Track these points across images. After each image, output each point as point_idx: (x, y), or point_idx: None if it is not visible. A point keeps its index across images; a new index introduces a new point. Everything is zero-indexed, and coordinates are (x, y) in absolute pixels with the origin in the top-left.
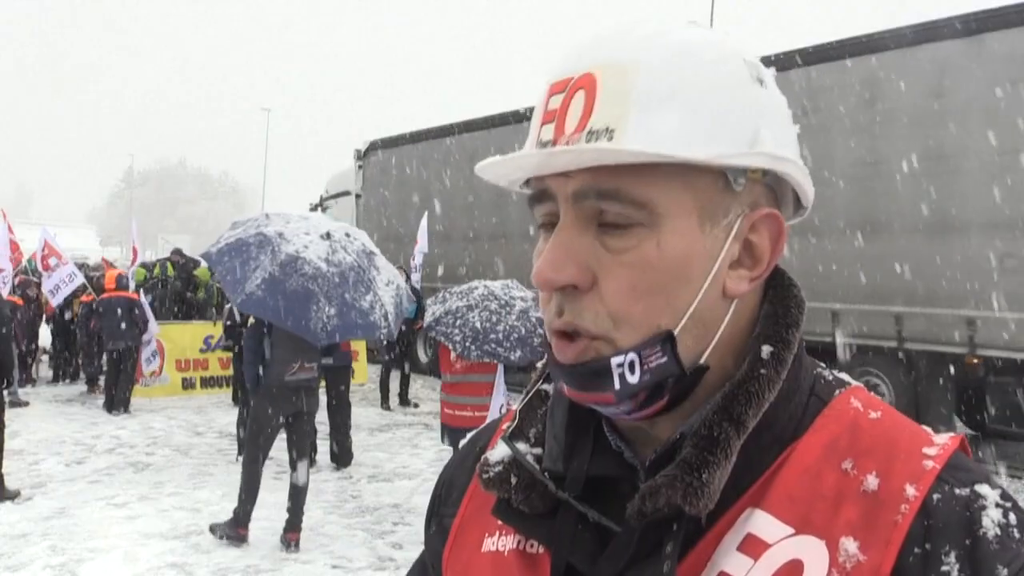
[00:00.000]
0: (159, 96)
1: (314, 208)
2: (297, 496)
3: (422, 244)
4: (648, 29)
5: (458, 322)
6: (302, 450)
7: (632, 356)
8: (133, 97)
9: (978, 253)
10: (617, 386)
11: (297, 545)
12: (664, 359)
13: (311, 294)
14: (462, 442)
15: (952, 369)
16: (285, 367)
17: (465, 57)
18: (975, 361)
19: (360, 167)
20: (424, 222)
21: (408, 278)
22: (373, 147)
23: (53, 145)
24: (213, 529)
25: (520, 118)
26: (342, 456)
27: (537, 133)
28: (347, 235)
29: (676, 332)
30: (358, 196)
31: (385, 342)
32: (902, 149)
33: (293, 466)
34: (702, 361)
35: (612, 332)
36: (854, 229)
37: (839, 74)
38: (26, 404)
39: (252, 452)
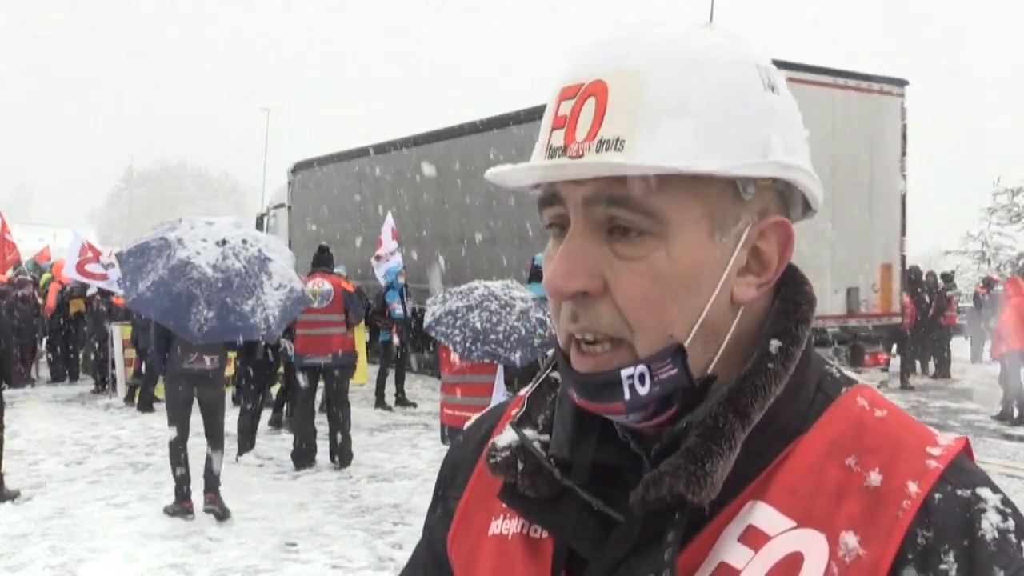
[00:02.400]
0: (159, 96)
1: (260, 218)
2: (210, 470)
3: (388, 245)
4: (660, 35)
5: (458, 322)
6: (212, 433)
7: (642, 368)
8: (133, 97)
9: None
10: (627, 397)
11: (213, 502)
12: (675, 371)
13: (193, 297)
14: (467, 424)
15: None
16: (184, 356)
17: (465, 56)
18: None
19: (290, 183)
20: (389, 220)
21: (405, 287)
22: (299, 167)
23: (53, 145)
24: (166, 510)
25: (406, 144)
26: (342, 456)
27: (547, 138)
28: (244, 242)
29: (687, 343)
30: (289, 208)
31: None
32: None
33: (209, 441)
34: (710, 370)
35: (630, 337)
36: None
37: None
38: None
39: (172, 429)
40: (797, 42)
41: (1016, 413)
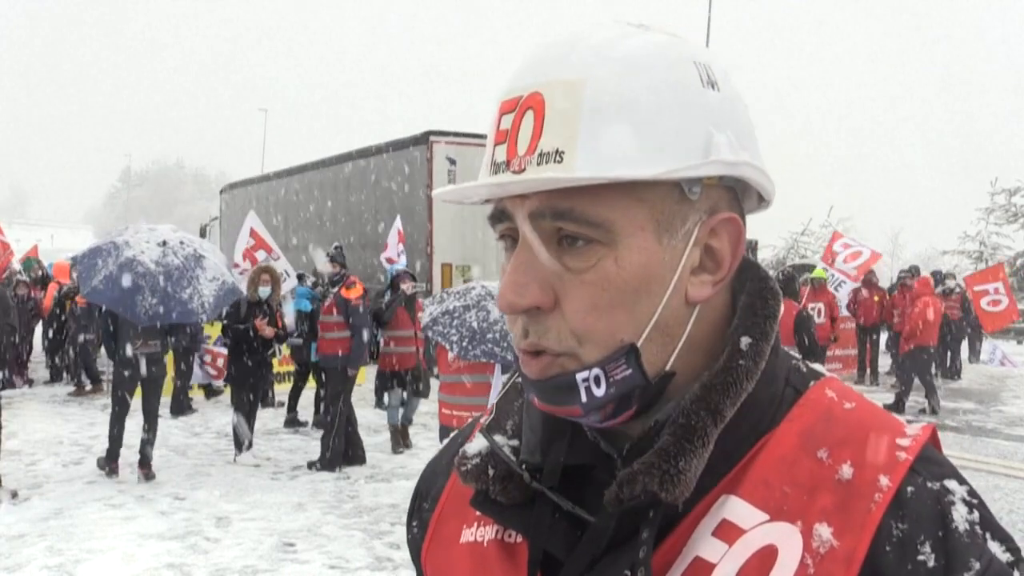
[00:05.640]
0: (156, 96)
1: (203, 228)
2: (145, 444)
3: (393, 249)
4: (593, 41)
5: (455, 322)
6: (149, 409)
7: (597, 371)
8: (130, 97)
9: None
10: (584, 399)
11: (146, 477)
12: (629, 371)
13: (139, 288)
14: (445, 441)
15: None
16: (132, 342)
17: (465, 56)
18: None
19: (220, 201)
20: (396, 223)
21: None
22: (226, 187)
23: (50, 145)
24: (98, 462)
25: (318, 166)
26: (335, 456)
27: (491, 154)
28: (181, 243)
29: (639, 344)
30: (220, 221)
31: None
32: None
33: (145, 419)
34: (667, 367)
35: (576, 349)
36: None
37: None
38: None
39: (114, 405)
40: (798, 44)
41: (928, 406)
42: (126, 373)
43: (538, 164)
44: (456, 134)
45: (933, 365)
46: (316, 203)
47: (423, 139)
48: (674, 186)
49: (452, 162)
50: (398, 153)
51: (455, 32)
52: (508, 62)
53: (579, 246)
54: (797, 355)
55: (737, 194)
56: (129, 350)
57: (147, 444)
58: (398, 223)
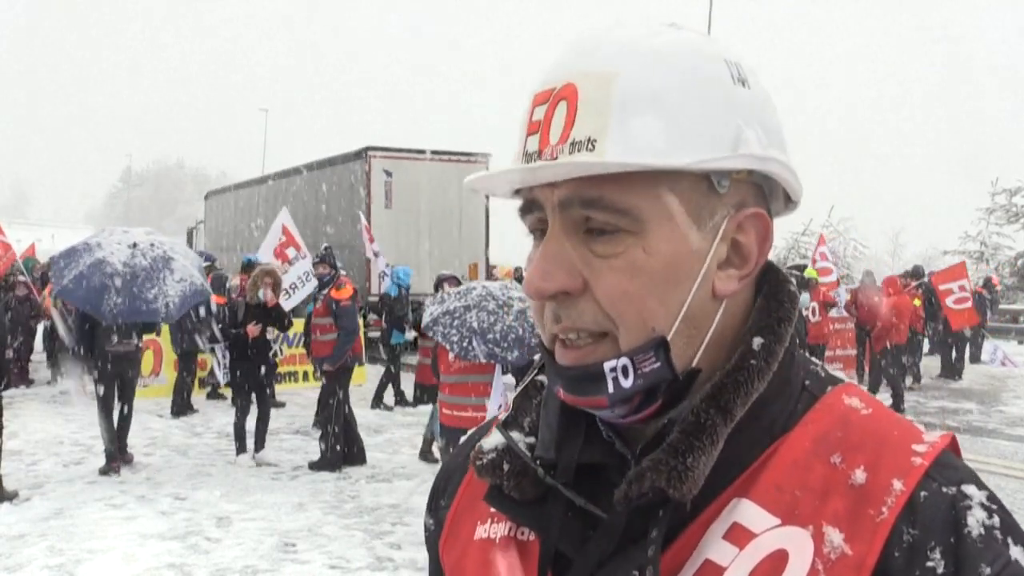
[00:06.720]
0: (157, 96)
1: (190, 231)
2: (121, 434)
3: (369, 246)
4: (626, 35)
5: (456, 322)
6: (127, 398)
7: (625, 361)
8: (131, 97)
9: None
10: (611, 390)
11: (118, 471)
12: (657, 364)
13: (106, 287)
14: (461, 439)
15: None
16: (107, 339)
17: (465, 56)
18: None
19: (205, 206)
20: (362, 220)
21: (408, 290)
22: (209, 193)
23: (51, 145)
24: (100, 470)
25: (279, 176)
26: (360, 455)
27: (523, 145)
28: (151, 245)
29: (669, 336)
30: (203, 224)
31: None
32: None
33: (121, 403)
34: (694, 363)
35: (614, 330)
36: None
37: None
38: None
39: (100, 400)
40: (798, 44)
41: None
42: (108, 369)
43: (570, 152)
44: (391, 149)
45: (901, 361)
46: (277, 210)
47: (362, 154)
48: (703, 179)
49: (388, 174)
50: (341, 166)
51: (455, 32)
52: (508, 63)
53: (607, 234)
54: (816, 361)
55: (765, 192)
56: (107, 347)
57: (123, 432)
58: (363, 220)
